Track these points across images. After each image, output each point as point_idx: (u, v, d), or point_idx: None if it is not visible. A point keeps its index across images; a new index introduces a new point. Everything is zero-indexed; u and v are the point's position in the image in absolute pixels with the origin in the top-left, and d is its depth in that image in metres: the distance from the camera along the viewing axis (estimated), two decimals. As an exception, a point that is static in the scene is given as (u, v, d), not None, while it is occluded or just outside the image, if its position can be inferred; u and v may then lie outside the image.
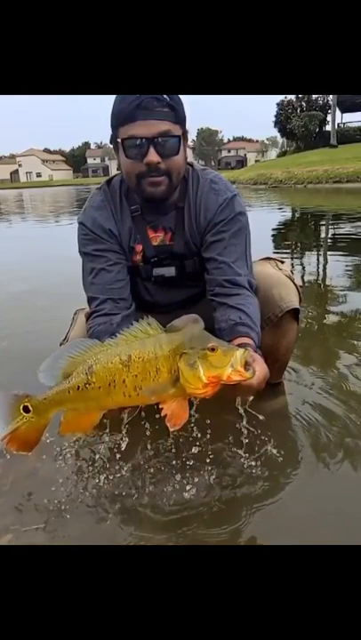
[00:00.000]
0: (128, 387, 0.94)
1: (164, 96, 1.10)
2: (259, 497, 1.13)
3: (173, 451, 1.26)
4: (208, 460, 1.21)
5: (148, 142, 1.12)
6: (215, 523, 1.06)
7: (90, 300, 1.29)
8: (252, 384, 0.94)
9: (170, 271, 1.32)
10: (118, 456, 1.24)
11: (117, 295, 1.25)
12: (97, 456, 1.27)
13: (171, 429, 0.92)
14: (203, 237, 1.28)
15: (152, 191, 1.19)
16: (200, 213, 1.27)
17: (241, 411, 1.10)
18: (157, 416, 0.94)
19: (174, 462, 1.23)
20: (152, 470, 1.21)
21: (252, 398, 1.09)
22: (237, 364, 0.89)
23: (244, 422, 1.14)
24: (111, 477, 1.19)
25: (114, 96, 1.17)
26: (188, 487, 1.15)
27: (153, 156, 1.13)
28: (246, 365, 0.90)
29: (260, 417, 1.17)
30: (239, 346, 0.97)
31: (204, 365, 0.89)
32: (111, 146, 1.26)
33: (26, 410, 0.97)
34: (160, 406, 0.94)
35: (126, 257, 1.31)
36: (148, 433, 1.30)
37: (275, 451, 1.25)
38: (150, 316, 0.96)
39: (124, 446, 1.29)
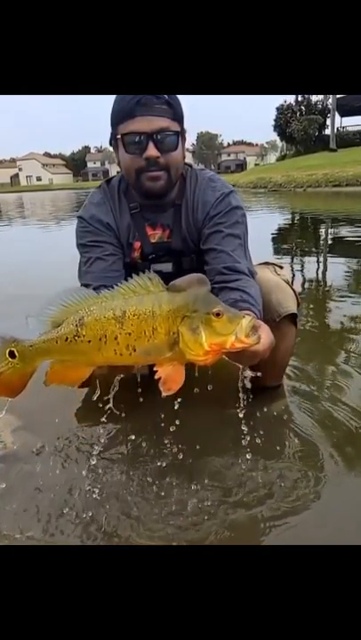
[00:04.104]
0: (120, 344, 0.88)
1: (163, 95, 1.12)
2: (261, 513, 1.05)
3: (172, 455, 1.23)
4: (206, 471, 1.17)
5: (147, 138, 1.15)
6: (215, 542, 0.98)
7: None
8: (258, 350, 0.92)
9: (167, 267, 1.33)
10: (116, 460, 1.23)
11: (111, 283, 1.24)
12: (95, 460, 1.25)
13: (164, 394, 0.87)
14: (200, 232, 1.30)
15: (151, 186, 1.21)
16: (198, 209, 1.29)
17: (242, 378, 1.04)
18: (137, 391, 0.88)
19: (172, 470, 1.19)
20: (149, 481, 1.16)
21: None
22: (242, 333, 0.84)
23: (244, 421, 1.13)
24: (109, 483, 1.17)
25: (113, 100, 1.20)
26: (185, 503, 1.08)
27: (152, 151, 1.15)
28: (252, 330, 0.85)
29: (261, 418, 1.15)
30: None
31: (206, 331, 0.84)
32: (111, 149, 1.29)
33: (12, 355, 0.93)
34: (155, 368, 0.89)
35: (124, 253, 1.32)
36: (147, 441, 1.30)
37: (276, 457, 1.22)
38: (152, 271, 0.91)
39: (122, 451, 1.29)
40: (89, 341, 0.89)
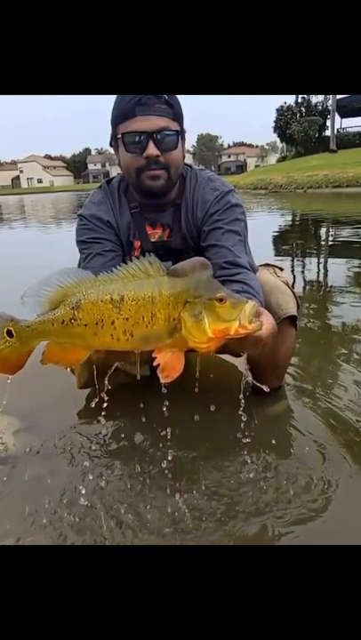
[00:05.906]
0: (117, 329, 0.86)
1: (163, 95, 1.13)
2: (268, 520, 1.02)
3: (173, 458, 1.21)
4: (208, 475, 1.16)
5: (147, 137, 1.16)
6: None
7: None
8: (260, 336, 0.91)
9: (167, 265, 1.33)
10: (116, 462, 1.22)
11: None
12: (95, 462, 1.25)
13: (162, 381, 0.85)
14: (200, 230, 1.30)
15: (151, 184, 1.22)
16: (197, 207, 1.30)
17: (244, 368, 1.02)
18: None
19: (173, 473, 1.17)
20: (149, 485, 1.15)
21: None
22: (245, 318, 0.82)
23: (246, 423, 1.12)
24: (108, 485, 1.16)
25: (114, 100, 1.21)
26: (186, 507, 1.06)
27: (152, 150, 1.16)
28: (254, 316, 0.83)
29: (263, 420, 1.15)
30: None
31: (210, 317, 0.82)
32: (112, 151, 1.30)
33: (9, 334, 0.92)
34: (154, 355, 0.87)
35: (124, 251, 1.33)
36: (147, 444, 1.29)
37: (280, 459, 1.21)
38: (153, 255, 0.88)
39: (122, 453, 1.28)
40: (85, 325, 0.88)
